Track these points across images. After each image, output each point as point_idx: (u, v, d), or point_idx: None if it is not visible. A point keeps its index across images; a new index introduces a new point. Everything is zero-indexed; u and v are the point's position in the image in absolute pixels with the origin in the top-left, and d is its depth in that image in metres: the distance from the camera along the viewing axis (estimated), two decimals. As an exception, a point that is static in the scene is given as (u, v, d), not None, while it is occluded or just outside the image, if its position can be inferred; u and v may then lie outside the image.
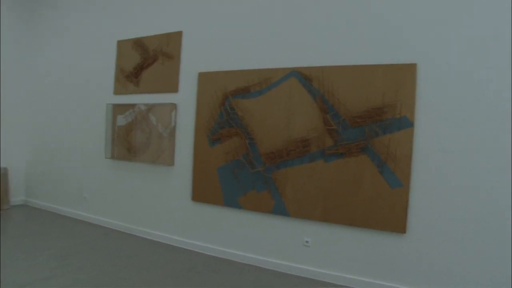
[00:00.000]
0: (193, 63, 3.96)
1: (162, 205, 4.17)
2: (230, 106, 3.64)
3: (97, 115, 4.77)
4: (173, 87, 4.07)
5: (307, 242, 3.35)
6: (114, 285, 2.99)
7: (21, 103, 5.59)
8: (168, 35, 4.17)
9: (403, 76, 2.94)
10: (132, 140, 4.34)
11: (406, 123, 2.92)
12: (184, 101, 3.99)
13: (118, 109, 4.49)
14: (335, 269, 3.23)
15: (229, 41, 3.75)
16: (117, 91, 4.58)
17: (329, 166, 3.21)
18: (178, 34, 4.08)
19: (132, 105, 4.35)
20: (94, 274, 3.19)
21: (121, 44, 4.58)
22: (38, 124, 5.58)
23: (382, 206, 3.00)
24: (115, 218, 4.59)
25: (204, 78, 3.83)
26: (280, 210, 3.42)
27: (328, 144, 3.21)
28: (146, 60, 4.33)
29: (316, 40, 3.33)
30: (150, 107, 4.18)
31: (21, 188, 5.67)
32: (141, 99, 4.32)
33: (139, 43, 4.41)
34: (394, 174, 2.95)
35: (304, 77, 3.33)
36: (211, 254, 3.82)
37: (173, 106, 4.01)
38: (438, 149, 2.85)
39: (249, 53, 3.63)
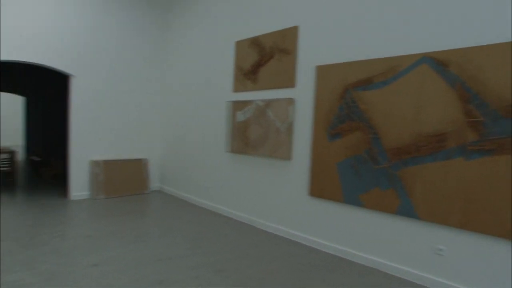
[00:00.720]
0: (310, 57, 3.91)
1: (279, 198, 4.27)
2: (351, 99, 3.47)
3: (218, 112, 5.17)
4: (290, 82, 4.10)
5: (440, 250, 2.96)
6: (239, 271, 3.18)
7: (156, 103, 6.49)
8: (284, 31, 4.21)
9: None
10: (250, 135, 4.56)
11: None
12: (302, 95, 3.98)
13: (237, 105, 4.77)
14: (478, 286, 2.77)
15: (348, 30, 3.56)
16: (236, 89, 4.87)
17: (471, 164, 2.75)
18: (294, 29, 4.08)
19: (250, 102, 4.56)
20: (220, 258, 3.46)
21: (238, 44, 4.85)
22: (170, 121, 6.39)
23: (549, 216, 2.43)
24: (235, 209, 4.91)
25: (322, 72, 3.74)
26: (406, 211, 3.10)
27: (470, 139, 2.75)
28: (263, 58, 4.47)
29: (452, 17, 2.88)
30: (268, 103, 4.31)
31: (157, 176, 6.60)
32: (259, 95, 4.50)
33: (255, 42, 4.59)
34: None
35: (438, 62, 2.92)
36: (328, 251, 3.74)
37: (291, 101, 4.04)
38: None
39: (371, 41, 3.37)
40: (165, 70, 6.49)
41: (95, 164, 5.70)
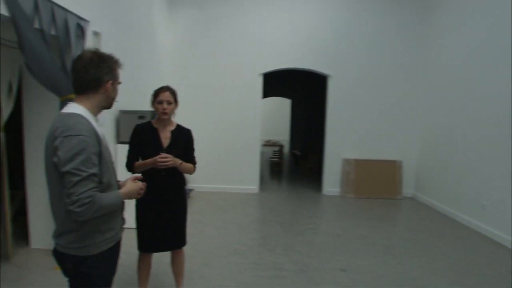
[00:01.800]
0: None
1: None
2: None
3: (498, 106, 3.81)
4: None
5: None
6: None
7: (415, 100, 5.70)
8: None
9: None
10: None
11: None
12: None
13: None
14: None
15: None
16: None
17: None
18: None
19: None
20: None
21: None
22: (430, 120, 5.44)
23: None
24: (527, 241, 3.46)
25: None
26: None
27: None
28: None
29: None
30: None
31: (411, 181, 5.82)
32: None
33: None
34: None
35: None
36: None
37: None
38: None
39: None
40: (426, 64, 5.57)
41: (347, 162, 5.70)
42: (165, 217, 2.18)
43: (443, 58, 5.14)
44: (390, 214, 4.90)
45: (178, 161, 2.07)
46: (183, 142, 2.21)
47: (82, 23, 2.85)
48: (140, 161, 2.12)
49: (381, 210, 4.97)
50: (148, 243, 2.21)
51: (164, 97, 2.09)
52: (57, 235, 1.33)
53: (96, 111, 1.39)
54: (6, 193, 2.94)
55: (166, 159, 1.98)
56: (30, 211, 3.23)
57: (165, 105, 2.09)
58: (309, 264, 3.10)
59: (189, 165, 2.22)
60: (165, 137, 2.16)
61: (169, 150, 2.09)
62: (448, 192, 4.84)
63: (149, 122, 2.22)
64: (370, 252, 3.41)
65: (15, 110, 3.04)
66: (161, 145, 2.12)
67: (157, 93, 2.13)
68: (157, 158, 1.97)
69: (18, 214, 3.65)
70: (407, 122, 5.76)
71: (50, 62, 2.41)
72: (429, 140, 5.47)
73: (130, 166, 2.14)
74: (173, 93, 2.16)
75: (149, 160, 2.02)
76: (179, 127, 2.25)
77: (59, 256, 1.33)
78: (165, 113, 2.10)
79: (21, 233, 3.39)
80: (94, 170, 1.23)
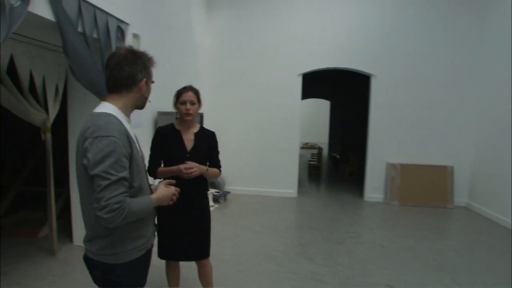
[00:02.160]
0: None
1: None
2: None
3: None
4: None
5: None
6: None
7: (467, 100, 5.20)
8: None
9: None
10: None
11: None
12: None
13: None
14: None
15: None
16: None
17: None
18: None
19: None
20: None
21: None
22: (488, 121, 4.94)
23: None
24: None
25: None
26: None
27: None
28: None
29: None
30: None
31: (464, 189, 5.32)
32: None
33: None
34: None
35: None
36: None
37: None
38: None
39: None
40: (480, 63, 5.04)
41: (392, 167, 5.35)
42: (186, 224, 2.05)
43: (499, 56, 4.62)
44: (440, 224, 4.49)
45: (204, 168, 1.97)
46: (206, 144, 2.08)
47: (122, 25, 2.89)
48: (164, 168, 2.00)
49: (431, 220, 4.58)
50: (167, 250, 2.09)
51: (187, 97, 1.98)
52: (87, 240, 1.28)
53: (128, 111, 1.33)
54: (52, 191, 3.05)
55: (192, 169, 1.87)
56: (73, 209, 3.33)
57: (188, 106, 1.97)
58: (352, 277, 2.88)
59: (215, 170, 2.09)
60: (189, 139, 2.04)
61: (192, 153, 1.99)
62: (509, 201, 4.33)
63: (171, 124, 2.10)
64: (420, 267, 3.11)
65: (60, 112, 3.15)
66: (184, 148, 2.01)
67: (179, 93, 2.01)
68: (181, 167, 1.86)
69: (63, 211, 3.80)
70: (459, 124, 5.27)
71: (92, 65, 2.44)
72: (484, 143, 4.96)
73: (152, 171, 2.01)
74: (196, 93, 2.03)
75: (174, 168, 1.91)
76: (202, 129, 2.13)
77: (89, 262, 1.29)
78: (188, 114, 1.98)
79: (65, 230, 3.53)
80: (124, 173, 1.16)
